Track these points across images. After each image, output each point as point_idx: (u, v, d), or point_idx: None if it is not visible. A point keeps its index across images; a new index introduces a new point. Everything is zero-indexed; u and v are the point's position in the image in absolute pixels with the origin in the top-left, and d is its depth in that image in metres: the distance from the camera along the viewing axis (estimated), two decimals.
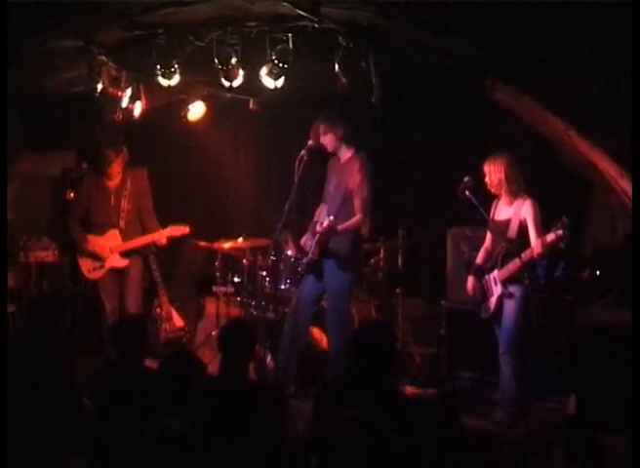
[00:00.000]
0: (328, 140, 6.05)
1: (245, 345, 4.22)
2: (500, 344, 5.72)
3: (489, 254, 5.90)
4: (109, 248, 6.90)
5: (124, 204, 6.92)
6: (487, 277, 5.82)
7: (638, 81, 4.52)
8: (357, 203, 5.95)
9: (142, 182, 7.11)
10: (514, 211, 5.66)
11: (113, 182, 6.93)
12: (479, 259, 5.98)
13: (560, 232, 5.23)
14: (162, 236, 6.89)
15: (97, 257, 6.91)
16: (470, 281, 5.93)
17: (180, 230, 6.94)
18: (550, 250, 5.44)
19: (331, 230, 5.85)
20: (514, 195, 5.68)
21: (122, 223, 6.93)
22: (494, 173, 5.71)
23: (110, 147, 6.77)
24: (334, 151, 6.13)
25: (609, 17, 4.46)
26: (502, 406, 5.74)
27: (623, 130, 4.84)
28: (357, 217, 5.97)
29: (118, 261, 6.93)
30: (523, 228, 5.57)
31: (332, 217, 5.79)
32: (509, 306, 5.65)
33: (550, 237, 5.29)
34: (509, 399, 5.68)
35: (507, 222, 5.68)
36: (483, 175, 5.77)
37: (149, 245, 6.97)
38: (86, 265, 6.95)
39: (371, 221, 6.08)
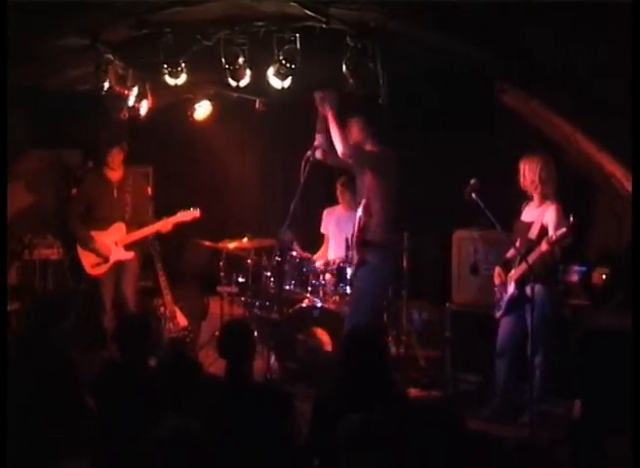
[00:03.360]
0: (355, 131, 6.09)
1: (243, 346, 4.17)
2: (502, 344, 5.80)
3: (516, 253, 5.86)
4: (115, 241, 6.95)
5: (127, 198, 7.01)
6: (507, 276, 5.81)
7: (638, 81, 4.51)
8: (374, 204, 5.98)
9: (142, 180, 7.30)
10: (539, 213, 5.63)
11: (116, 176, 7.01)
12: (509, 254, 5.93)
13: (564, 230, 5.24)
14: (167, 224, 6.98)
15: (101, 253, 6.93)
16: (497, 269, 5.91)
17: (190, 214, 7.02)
18: (559, 249, 5.48)
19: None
20: (545, 197, 5.66)
21: (127, 216, 7.01)
22: (528, 172, 5.67)
23: (111, 142, 6.89)
24: (356, 142, 6.11)
25: (613, 16, 4.45)
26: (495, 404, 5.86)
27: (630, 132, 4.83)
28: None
29: (123, 254, 6.98)
30: (544, 231, 5.53)
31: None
32: (517, 306, 5.69)
33: (555, 235, 5.30)
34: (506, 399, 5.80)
35: (531, 224, 5.66)
36: (517, 173, 5.73)
37: (154, 235, 7.05)
38: (89, 261, 6.96)
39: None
